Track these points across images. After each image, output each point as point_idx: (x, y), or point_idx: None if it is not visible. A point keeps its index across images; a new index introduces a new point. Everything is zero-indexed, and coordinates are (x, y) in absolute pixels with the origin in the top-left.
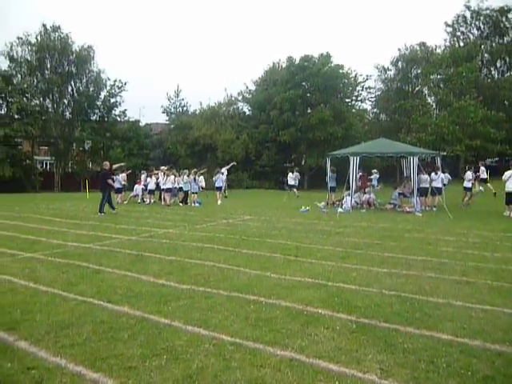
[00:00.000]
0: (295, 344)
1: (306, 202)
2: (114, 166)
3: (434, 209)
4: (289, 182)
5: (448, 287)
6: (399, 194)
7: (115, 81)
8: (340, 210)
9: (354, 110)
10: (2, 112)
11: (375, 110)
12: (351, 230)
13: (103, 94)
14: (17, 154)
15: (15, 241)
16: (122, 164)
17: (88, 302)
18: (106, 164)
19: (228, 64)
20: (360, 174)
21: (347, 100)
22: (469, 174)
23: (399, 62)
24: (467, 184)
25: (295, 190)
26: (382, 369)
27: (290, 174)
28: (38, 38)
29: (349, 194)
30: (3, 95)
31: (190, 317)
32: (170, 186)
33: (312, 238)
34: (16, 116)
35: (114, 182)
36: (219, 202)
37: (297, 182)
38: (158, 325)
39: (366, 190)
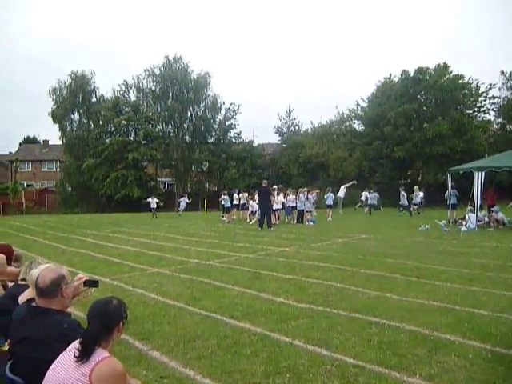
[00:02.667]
0: (423, 371)
1: (426, 220)
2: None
3: None
4: (369, 202)
5: None
6: None
7: (230, 104)
8: (464, 228)
9: (475, 122)
10: (131, 138)
11: (500, 120)
12: (478, 251)
13: (219, 117)
14: (143, 176)
15: (143, 257)
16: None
17: (211, 316)
18: (265, 182)
19: (339, 81)
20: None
21: (468, 111)
22: None
23: None
24: None
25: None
26: None
27: (366, 194)
28: (162, 69)
29: (472, 212)
30: (132, 123)
31: (311, 336)
32: (276, 207)
33: (434, 259)
34: (143, 141)
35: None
36: (329, 218)
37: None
38: (279, 343)
39: (494, 207)
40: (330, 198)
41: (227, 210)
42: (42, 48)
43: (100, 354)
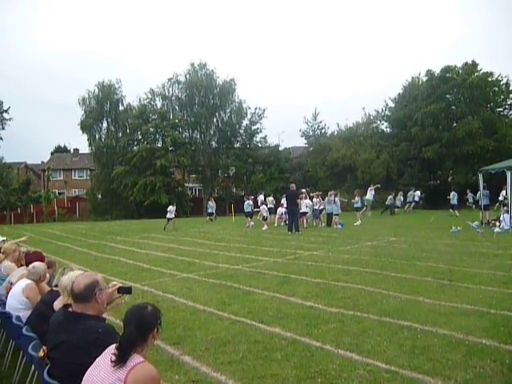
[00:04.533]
0: (458, 376)
1: (457, 221)
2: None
3: None
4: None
5: None
6: None
7: (256, 108)
8: (497, 229)
9: (507, 120)
10: (159, 145)
11: None
12: None
13: (245, 122)
14: (171, 182)
15: (173, 262)
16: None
17: (241, 321)
18: (293, 186)
19: (365, 83)
20: None
21: (499, 109)
22: None
23: None
24: None
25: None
26: None
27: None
28: (187, 76)
29: (507, 212)
30: (159, 130)
31: (342, 341)
32: (305, 210)
33: (467, 261)
34: (170, 148)
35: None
36: (358, 222)
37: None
38: (309, 347)
39: None
40: (358, 200)
41: (248, 215)
42: (72, 61)
43: (135, 359)
